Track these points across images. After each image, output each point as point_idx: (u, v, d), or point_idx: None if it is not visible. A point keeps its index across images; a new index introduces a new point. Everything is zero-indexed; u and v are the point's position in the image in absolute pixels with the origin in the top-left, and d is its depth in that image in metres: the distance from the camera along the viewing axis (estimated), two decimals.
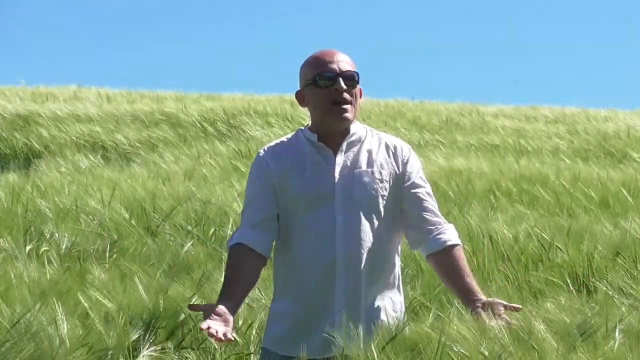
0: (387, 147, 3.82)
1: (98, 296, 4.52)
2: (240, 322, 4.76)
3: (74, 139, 15.38)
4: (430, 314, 3.74)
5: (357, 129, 3.81)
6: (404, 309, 3.83)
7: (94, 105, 17.79)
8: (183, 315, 4.58)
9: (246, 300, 4.87)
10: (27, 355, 3.45)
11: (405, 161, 3.80)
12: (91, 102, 18.47)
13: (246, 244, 3.69)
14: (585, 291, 5.50)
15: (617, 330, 3.38)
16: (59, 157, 14.04)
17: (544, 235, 6.33)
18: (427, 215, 3.76)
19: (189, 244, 6.27)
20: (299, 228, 3.71)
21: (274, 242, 3.78)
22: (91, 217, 7.09)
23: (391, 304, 3.76)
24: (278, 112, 17.50)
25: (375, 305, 3.71)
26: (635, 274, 5.56)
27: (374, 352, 3.31)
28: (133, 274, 5.10)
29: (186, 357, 4.54)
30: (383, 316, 3.70)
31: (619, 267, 5.66)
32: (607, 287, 5.21)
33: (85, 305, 4.39)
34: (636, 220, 6.79)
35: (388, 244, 3.75)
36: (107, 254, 6.01)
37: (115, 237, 6.48)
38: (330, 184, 3.71)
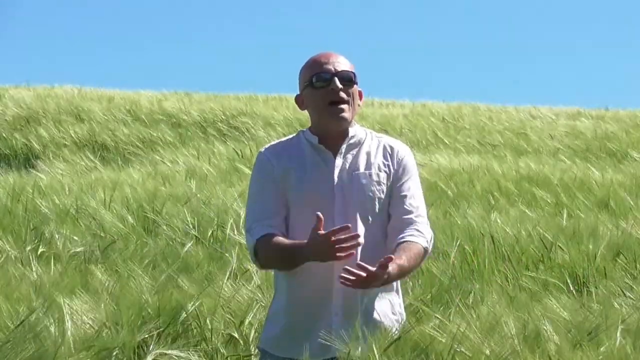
0: (385, 149, 3.83)
1: (100, 297, 4.52)
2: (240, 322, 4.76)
3: (74, 139, 15.37)
4: (432, 315, 3.73)
5: (356, 131, 3.82)
6: (403, 311, 3.83)
7: (94, 105, 17.78)
8: (184, 315, 4.58)
9: (247, 300, 4.87)
10: (29, 355, 3.45)
11: (399, 160, 3.81)
12: (91, 102, 18.46)
13: (272, 232, 3.67)
14: (585, 291, 5.50)
15: (618, 330, 3.38)
16: (58, 158, 14.04)
17: (546, 235, 6.33)
18: (401, 219, 3.75)
19: (189, 245, 6.27)
20: (299, 228, 3.71)
21: None
22: (91, 218, 7.09)
23: (390, 306, 3.76)
24: (278, 113, 17.50)
25: (374, 307, 3.71)
26: (636, 274, 5.57)
27: (376, 354, 3.31)
28: (133, 274, 5.10)
29: (188, 358, 4.54)
30: (382, 318, 3.70)
31: (619, 268, 5.66)
32: (607, 288, 5.21)
33: (88, 306, 4.38)
34: (636, 220, 6.80)
35: (386, 246, 3.75)
36: (108, 254, 6.01)
37: (116, 237, 6.48)
38: (329, 186, 3.72)
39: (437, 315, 3.91)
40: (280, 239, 3.64)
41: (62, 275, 4.96)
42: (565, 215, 7.77)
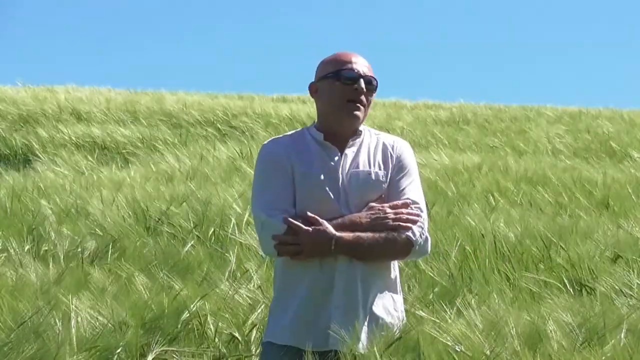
0: (384, 146, 3.85)
1: (101, 297, 4.52)
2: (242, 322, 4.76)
3: (74, 139, 15.37)
4: (432, 315, 3.73)
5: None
6: (403, 310, 3.84)
7: (94, 106, 17.77)
8: (185, 315, 4.58)
9: (248, 300, 4.87)
10: (30, 355, 3.45)
11: (398, 156, 3.83)
12: (91, 102, 18.45)
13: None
14: (585, 292, 5.50)
15: (623, 330, 3.37)
16: (58, 158, 14.03)
17: (547, 235, 6.33)
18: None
19: (190, 244, 6.27)
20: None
21: None
22: (92, 218, 7.09)
23: (392, 303, 3.77)
24: (279, 112, 17.50)
25: (376, 303, 3.72)
26: (635, 274, 5.56)
27: (377, 353, 3.31)
28: (134, 274, 5.10)
29: (189, 358, 4.54)
30: (384, 314, 3.72)
31: (619, 268, 5.66)
32: (607, 288, 5.21)
33: (89, 306, 4.38)
34: (637, 220, 6.79)
35: None
36: (108, 254, 6.00)
37: (116, 237, 6.47)
38: (336, 183, 3.74)
39: (438, 316, 3.91)
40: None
41: (63, 275, 4.96)
42: (566, 216, 7.77)
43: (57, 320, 3.88)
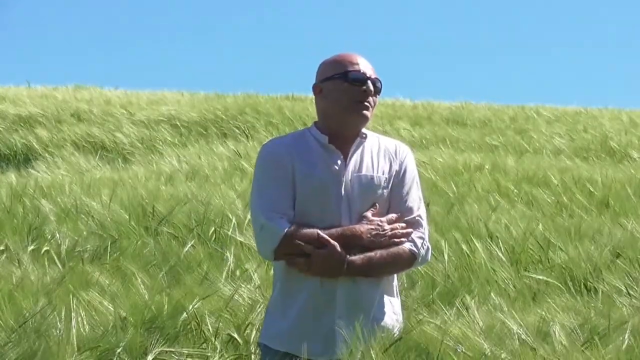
0: (387, 150, 3.84)
1: (101, 297, 4.52)
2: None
3: (74, 139, 15.37)
4: (433, 315, 3.73)
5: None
6: (401, 312, 3.84)
7: (95, 105, 17.78)
8: (185, 315, 4.57)
9: (247, 301, 4.87)
10: (31, 354, 3.45)
11: (401, 162, 3.83)
12: (92, 102, 18.46)
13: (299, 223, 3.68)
14: (585, 292, 5.50)
15: (627, 331, 3.37)
16: (58, 158, 14.04)
17: (546, 235, 6.33)
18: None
19: (190, 245, 6.27)
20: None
21: None
22: (92, 218, 7.09)
23: (391, 307, 3.77)
24: (279, 112, 17.49)
25: (377, 307, 3.72)
26: (636, 274, 5.56)
27: (378, 353, 3.31)
28: (134, 274, 5.10)
29: (188, 358, 4.54)
30: (384, 317, 3.71)
31: (619, 268, 5.66)
32: (607, 288, 5.20)
33: (90, 306, 4.38)
34: (637, 220, 6.79)
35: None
36: (108, 254, 6.00)
37: (116, 237, 6.47)
38: (338, 186, 3.72)
39: (438, 316, 3.91)
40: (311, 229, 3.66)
41: (63, 275, 4.96)
42: (564, 215, 7.77)
43: (58, 321, 3.88)
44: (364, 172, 3.76)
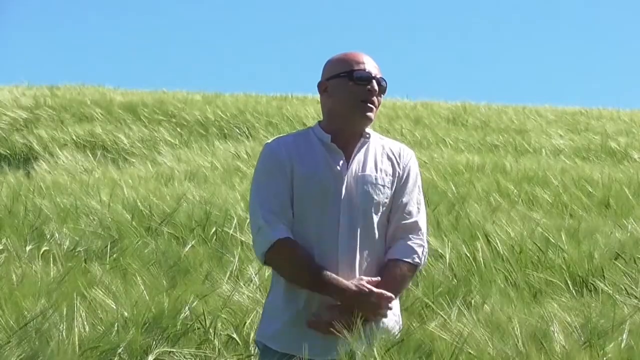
0: (391, 152, 3.83)
1: (102, 297, 4.52)
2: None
3: (75, 138, 15.37)
4: (435, 315, 3.74)
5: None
6: (400, 312, 3.84)
7: (95, 105, 17.77)
8: (186, 315, 4.58)
9: (247, 302, 4.87)
10: (32, 355, 3.45)
11: (405, 165, 3.82)
12: (92, 101, 18.44)
13: (291, 238, 3.68)
14: (585, 292, 5.50)
15: (626, 331, 3.37)
16: (58, 158, 14.04)
17: (546, 235, 6.33)
18: (398, 227, 3.77)
19: (190, 245, 6.27)
20: (304, 225, 3.71)
21: None
22: (92, 217, 7.09)
23: (392, 307, 3.76)
24: (280, 112, 17.49)
25: None
26: (636, 274, 5.56)
27: (379, 354, 3.31)
28: (135, 274, 5.10)
29: (189, 358, 4.54)
30: (384, 318, 3.71)
31: (619, 268, 5.66)
32: (607, 287, 5.21)
33: (91, 306, 4.39)
34: (637, 220, 6.80)
35: (384, 251, 3.77)
36: (108, 254, 6.00)
37: (117, 237, 6.47)
38: (339, 186, 3.72)
39: (441, 315, 3.91)
40: (308, 254, 3.65)
41: (64, 275, 4.96)
42: (565, 215, 7.77)
43: (59, 321, 3.88)
44: (366, 172, 3.75)
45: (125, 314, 4.36)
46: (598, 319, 3.44)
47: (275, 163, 3.74)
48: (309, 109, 17.62)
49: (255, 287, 5.14)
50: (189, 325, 4.61)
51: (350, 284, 3.61)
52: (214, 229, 6.84)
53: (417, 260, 3.73)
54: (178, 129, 16.30)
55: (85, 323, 4.13)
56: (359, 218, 3.70)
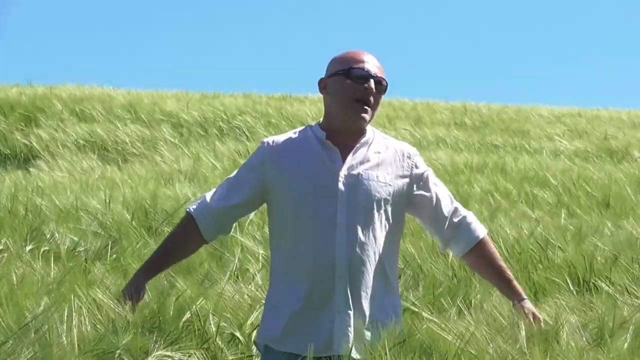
0: (395, 151, 3.82)
1: (103, 298, 4.51)
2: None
3: (74, 139, 15.37)
4: (436, 315, 3.74)
5: (366, 130, 3.83)
6: (401, 311, 3.84)
7: (95, 105, 17.77)
8: (187, 315, 4.57)
9: (248, 301, 4.87)
10: (31, 356, 3.45)
11: (414, 165, 3.82)
12: (92, 101, 18.44)
13: (201, 226, 3.87)
14: (585, 291, 5.50)
15: (629, 330, 3.37)
16: (59, 158, 14.04)
17: (545, 235, 6.33)
18: (448, 214, 3.83)
19: None
20: (301, 222, 3.70)
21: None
22: (92, 217, 7.09)
23: (392, 306, 3.77)
24: (280, 112, 17.49)
25: (377, 306, 3.71)
26: (636, 274, 5.56)
27: (382, 353, 3.31)
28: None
29: (189, 358, 4.54)
30: (385, 317, 3.71)
31: (619, 268, 5.66)
32: (609, 287, 5.21)
33: (92, 306, 4.38)
34: (637, 219, 6.80)
35: (388, 247, 3.75)
36: (108, 254, 6.00)
37: (117, 236, 6.47)
38: (333, 183, 3.70)
39: (442, 315, 3.91)
40: (185, 240, 3.96)
41: (64, 275, 4.96)
42: (565, 215, 7.77)
43: (59, 321, 3.87)
44: (367, 170, 3.74)
45: (126, 314, 4.35)
46: (600, 319, 3.44)
47: (256, 162, 3.85)
48: (309, 109, 17.61)
49: (256, 286, 5.14)
50: (190, 326, 4.60)
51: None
52: None
53: (485, 229, 3.89)
54: (178, 129, 16.30)
55: (87, 323, 4.13)
56: (358, 216, 3.69)
